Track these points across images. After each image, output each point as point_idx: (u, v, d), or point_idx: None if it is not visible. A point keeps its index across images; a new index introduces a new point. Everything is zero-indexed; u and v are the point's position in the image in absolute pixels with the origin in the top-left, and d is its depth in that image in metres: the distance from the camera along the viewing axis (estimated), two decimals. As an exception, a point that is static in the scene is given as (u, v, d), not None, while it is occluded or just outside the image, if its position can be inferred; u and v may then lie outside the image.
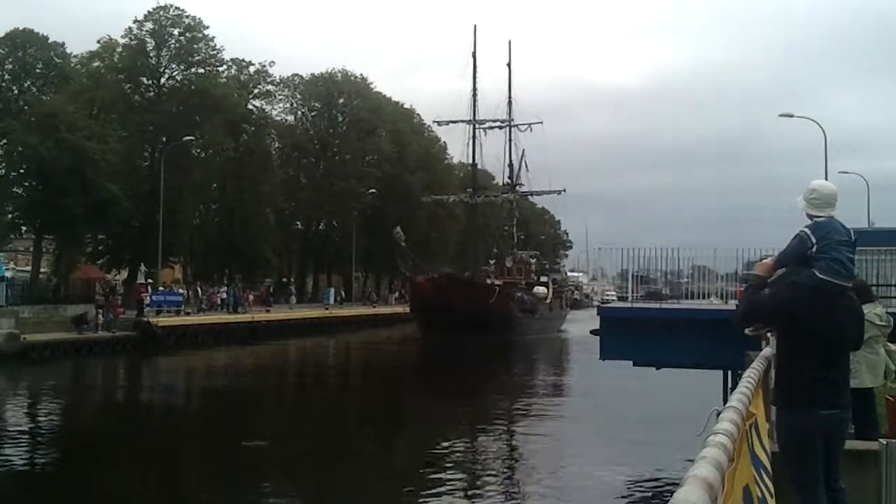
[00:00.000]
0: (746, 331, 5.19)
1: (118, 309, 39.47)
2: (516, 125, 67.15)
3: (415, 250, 53.11)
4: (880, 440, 6.02)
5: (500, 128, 66.57)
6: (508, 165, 68.28)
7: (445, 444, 18.66)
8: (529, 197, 75.90)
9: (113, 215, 44.91)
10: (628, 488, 14.54)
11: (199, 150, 54.39)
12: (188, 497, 15.05)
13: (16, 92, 48.11)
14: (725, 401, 4.67)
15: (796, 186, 5.61)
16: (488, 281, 56.59)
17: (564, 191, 67.16)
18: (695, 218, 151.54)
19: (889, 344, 8.33)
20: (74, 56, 52.02)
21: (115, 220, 45.79)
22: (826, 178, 18.93)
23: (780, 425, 4.81)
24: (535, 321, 56.70)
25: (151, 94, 53.03)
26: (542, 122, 66.59)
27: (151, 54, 52.21)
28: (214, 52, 54.05)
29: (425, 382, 33.20)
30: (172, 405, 25.83)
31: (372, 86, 73.92)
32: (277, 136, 67.41)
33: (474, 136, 64.07)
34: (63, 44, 49.72)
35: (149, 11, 51.98)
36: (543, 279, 65.66)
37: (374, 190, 66.81)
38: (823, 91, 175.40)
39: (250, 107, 60.57)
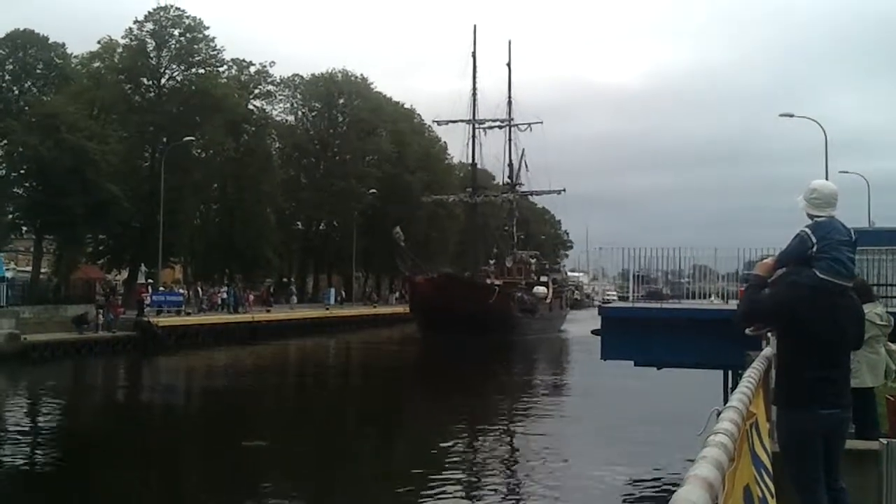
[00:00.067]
0: (747, 331, 5.20)
1: (118, 309, 39.48)
2: (516, 125, 67.22)
3: (415, 250, 53.13)
4: (881, 440, 6.01)
5: (500, 127, 66.63)
6: (508, 165, 68.38)
7: (445, 444, 18.66)
8: (529, 197, 75.95)
9: (113, 215, 44.91)
10: (629, 488, 14.55)
11: (199, 151, 54.39)
12: (188, 497, 15.06)
13: (16, 92, 48.13)
14: (726, 400, 4.67)
15: (796, 186, 5.62)
16: (488, 281, 56.60)
17: (564, 190, 67.25)
18: (695, 218, 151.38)
19: (889, 343, 8.33)
20: (75, 56, 52.04)
21: (116, 220, 45.79)
22: (826, 178, 18.95)
23: (781, 425, 4.81)
24: (535, 321, 56.68)
25: (152, 94, 53.04)
26: (541, 122, 66.71)
27: (152, 55, 52.23)
28: (215, 52, 54.09)
29: (425, 382, 33.21)
30: (173, 405, 25.84)
31: (372, 86, 74.03)
32: (278, 136, 67.42)
33: (474, 136, 64.17)
34: (63, 44, 49.79)
35: (149, 12, 52.09)
36: (543, 279, 65.63)
37: (374, 190, 66.81)
38: (823, 91, 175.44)
39: (251, 107, 60.59)
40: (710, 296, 20.73)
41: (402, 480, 15.54)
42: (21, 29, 48.07)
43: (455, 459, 17.21)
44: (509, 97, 66.97)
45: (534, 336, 52.64)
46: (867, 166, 79.89)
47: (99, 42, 53.11)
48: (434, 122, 68.96)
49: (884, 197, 66.71)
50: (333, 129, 71.78)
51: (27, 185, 45.66)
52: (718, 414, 3.17)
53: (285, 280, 67.48)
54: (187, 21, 52.70)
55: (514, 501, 14.03)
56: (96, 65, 53.09)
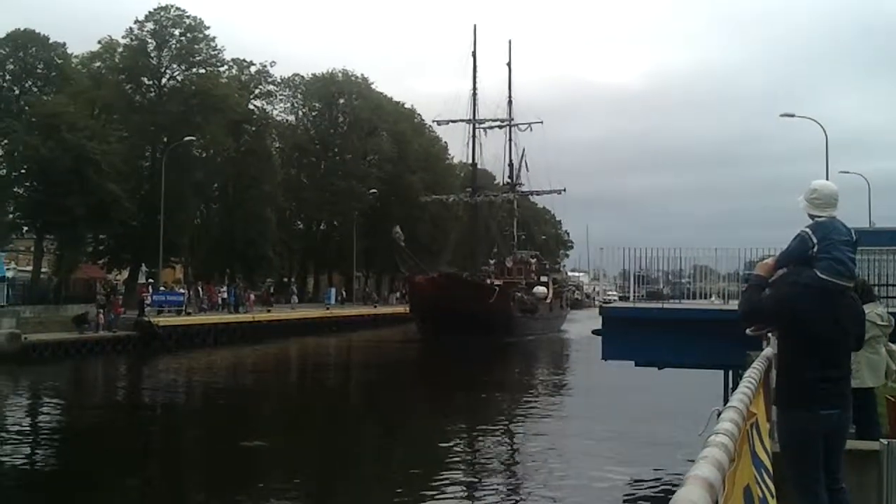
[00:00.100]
0: (748, 331, 5.20)
1: (119, 309, 39.50)
2: (516, 125, 67.23)
3: (415, 250, 53.09)
4: (881, 440, 6.01)
5: (500, 127, 66.63)
6: (508, 165, 68.43)
7: (445, 443, 18.66)
8: (530, 197, 75.99)
9: (114, 215, 44.92)
10: (629, 488, 14.54)
11: (200, 151, 54.43)
12: (188, 497, 15.08)
13: (17, 92, 48.10)
14: (726, 401, 4.67)
15: (797, 186, 5.61)
16: (488, 281, 56.58)
17: (565, 190, 67.25)
18: (695, 218, 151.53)
19: (890, 344, 8.33)
20: (75, 56, 52.02)
21: (117, 220, 45.79)
22: (827, 178, 18.92)
23: (782, 425, 4.81)
24: (535, 321, 56.67)
25: (152, 94, 53.08)
26: (542, 122, 66.72)
27: (152, 54, 52.27)
28: (215, 52, 54.15)
29: (425, 382, 33.20)
30: (173, 405, 25.84)
31: (373, 86, 74.11)
32: (278, 136, 67.47)
33: (474, 136, 64.17)
34: (64, 44, 49.73)
35: (150, 12, 52.13)
36: (543, 279, 65.61)
37: (374, 190, 66.86)
38: (823, 91, 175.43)
39: (251, 107, 60.64)
40: (710, 296, 20.70)
41: (402, 480, 15.53)
42: (22, 29, 48.05)
43: (455, 459, 17.21)
44: (509, 97, 67.08)
45: (534, 336, 52.65)
46: (867, 166, 79.79)
47: (99, 42, 53.30)
48: (434, 121, 69.00)
49: (884, 197, 66.79)
50: (334, 129, 71.83)
51: (28, 184, 45.66)
52: (719, 414, 3.16)
53: (286, 280, 67.58)
54: (188, 21, 52.76)
55: (514, 501, 14.02)
56: (97, 64, 53.16)
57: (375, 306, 67.03)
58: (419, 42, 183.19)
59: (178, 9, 52.62)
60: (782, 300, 4.69)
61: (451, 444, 18.80)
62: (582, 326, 48.08)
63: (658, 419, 20.06)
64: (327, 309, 58.57)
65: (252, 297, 52.16)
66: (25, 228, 48.74)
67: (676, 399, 20.84)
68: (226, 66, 56.97)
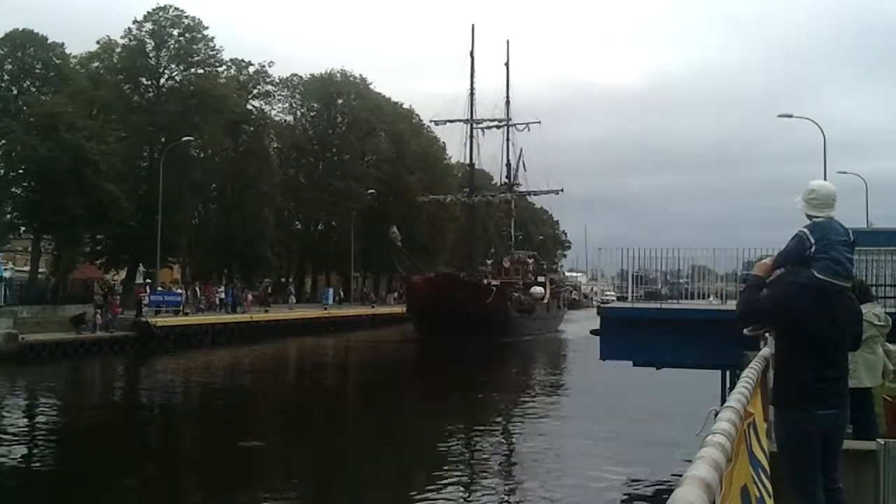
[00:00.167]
0: (745, 331, 5.20)
1: (117, 309, 39.47)
2: (514, 125, 67.16)
3: (413, 250, 53.06)
4: (878, 440, 6.02)
5: (498, 127, 66.56)
6: (506, 165, 68.33)
7: (443, 444, 18.65)
8: (528, 197, 75.94)
9: (112, 215, 44.86)
10: (627, 488, 14.56)
11: (198, 151, 54.39)
12: (185, 497, 15.07)
13: (15, 92, 48.06)
14: (724, 401, 4.68)
15: (796, 187, 5.62)
16: (485, 281, 56.52)
17: (562, 190, 67.21)
18: (695, 218, 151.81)
19: (887, 344, 8.33)
20: (74, 56, 52.00)
21: (114, 220, 45.73)
22: (825, 179, 18.95)
23: (779, 425, 4.82)
24: (533, 321, 56.66)
25: (151, 94, 53.03)
26: (539, 122, 66.63)
27: (151, 55, 52.21)
28: (214, 52, 54.08)
29: (423, 382, 33.18)
30: (170, 405, 25.82)
31: (371, 86, 74.03)
32: (276, 136, 67.41)
33: (472, 136, 64.12)
34: (62, 44, 49.71)
35: (148, 12, 52.06)
36: (541, 279, 65.62)
37: (372, 190, 66.84)
38: (823, 91, 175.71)
39: (249, 107, 60.59)
40: (708, 296, 20.70)
41: (399, 480, 15.55)
42: (20, 29, 48.02)
43: (453, 459, 17.21)
44: (507, 97, 66.99)
45: (531, 336, 52.63)
46: (866, 167, 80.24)
47: (98, 42, 53.24)
48: (432, 121, 68.96)
49: (882, 197, 66.85)
50: (332, 130, 71.80)
51: (26, 184, 45.61)
52: (716, 414, 3.17)
53: (284, 280, 67.50)
54: (186, 21, 52.71)
55: (512, 501, 14.03)
56: (95, 65, 53.10)
57: (373, 306, 67.01)
58: (418, 42, 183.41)
59: (176, 9, 52.63)
60: (780, 300, 4.69)
61: (448, 444, 18.79)
62: (580, 326, 48.04)
63: (655, 419, 20.06)
64: (325, 309, 58.54)
65: (250, 297, 52.12)
66: (23, 228, 48.69)
67: (674, 399, 20.85)
68: (224, 67, 56.96)
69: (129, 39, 51.86)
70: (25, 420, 21.87)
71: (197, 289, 49.03)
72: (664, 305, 20.60)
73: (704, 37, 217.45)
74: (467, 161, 65.93)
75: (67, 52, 50.55)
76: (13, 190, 45.99)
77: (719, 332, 12.00)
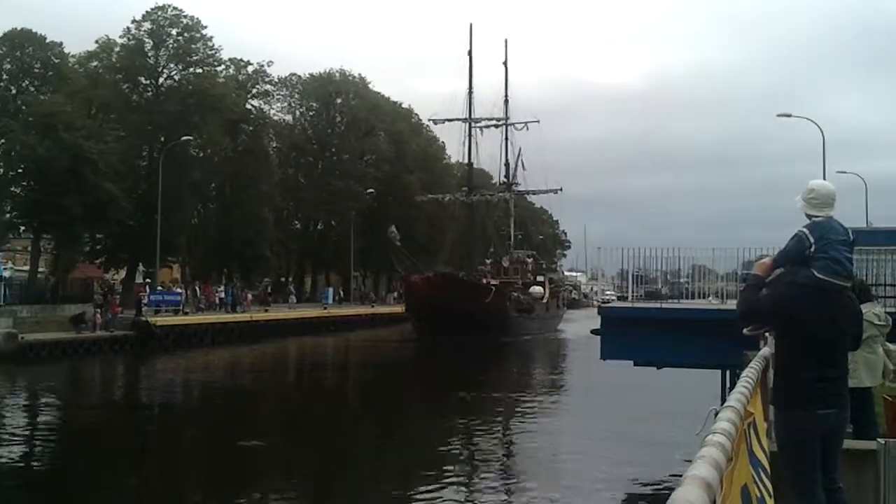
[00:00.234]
0: (745, 331, 5.20)
1: (116, 308, 39.45)
2: (512, 124, 67.13)
3: (412, 250, 53.04)
4: (878, 440, 6.02)
5: (497, 126, 66.52)
6: (505, 164, 68.28)
7: (443, 443, 18.65)
8: (527, 196, 75.93)
9: (111, 215, 44.87)
10: (627, 488, 14.55)
11: (197, 150, 54.38)
12: (185, 497, 15.06)
13: (14, 92, 48.06)
14: (724, 400, 4.67)
15: (795, 186, 5.61)
16: (484, 281, 56.50)
17: (561, 189, 67.18)
18: (695, 218, 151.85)
19: (887, 343, 8.33)
20: (72, 56, 51.98)
21: (114, 219, 45.73)
22: (824, 178, 18.92)
23: (779, 425, 4.81)
24: (532, 321, 56.62)
25: (150, 93, 53.03)
26: (538, 122, 66.56)
27: (150, 54, 52.20)
28: (213, 51, 54.09)
29: (422, 382, 33.18)
30: (170, 405, 25.81)
31: (370, 85, 74.01)
32: (276, 135, 67.40)
33: (470, 135, 64.12)
34: (61, 43, 49.71)
35: (147, 11, 52.06)
36: (540, 279, 65.59)
37: (372, 190, 66.82)
38: (823, 91, 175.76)
39: (248, 106, 60.56)
40: (707, 296, 20.70)
41: (399, 480, 15.54)
42: (18, 28, 48.01)
43: (452, 459, 17.21)
44: (506, 96, 66.92)
45: (530, 336, 52.60)
46: (865, 166, 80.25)
47: (97, 41, 53.21)
48: (430, 120, 68.95)
49: (882, 197, 66.87)
50: (331, 129, 71.78)
51: (25, 184, 45.62)
52: (716, 414, 3.17)
53: (283, 280, 67.49)
54: (185, 20, 52.71)
55: (511, 501, 14.03)
56: (94, 64, 53.07)
57: (373, 306, 67.01)
58: (418, 42, 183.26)
59: (175, 8, 52.62)
60: (779, 300, 4.69)
61: (447, 443, 18.78)
62: (579, 326, 48.03)
63: (655, 419, 20.05)
64: (325, 309, 58.53)
65: (249, 296, 52.12)
66: (22, 228, 48.71)
67: (674, 399, 20.84)
68: (223, 66, 56.96)
69: (128, 39, 51.88)
70: (25, 420, 21.85)
71: (197, 288, 49.03)
72: (664, 305, 20.59)
73: (704, 37, 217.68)
74: (466, 160, 65.98)
75: (66, 51, 50.62)
76: (12, 189, 45.99)
77: (719, 332, 11.99)
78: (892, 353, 8.44)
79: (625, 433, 19.06)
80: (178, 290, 46.20)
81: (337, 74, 71.99)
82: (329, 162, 70.65)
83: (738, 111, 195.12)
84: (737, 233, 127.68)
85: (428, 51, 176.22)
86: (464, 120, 63.42)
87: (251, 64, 61.32)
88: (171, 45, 52.37)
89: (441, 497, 13.76)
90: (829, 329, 4.60)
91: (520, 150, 67.66)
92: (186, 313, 43.66)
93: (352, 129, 70.24)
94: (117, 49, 52.38)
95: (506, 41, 70.14)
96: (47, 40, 48.53)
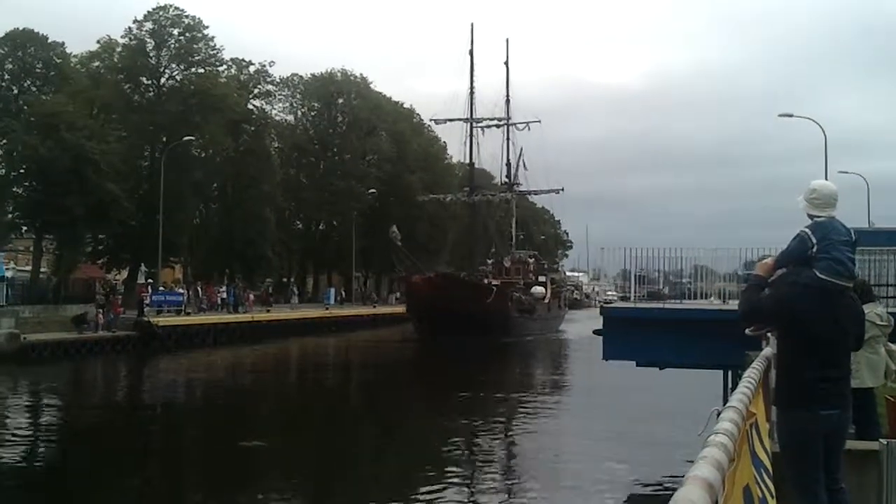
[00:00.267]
0: (747, 331, 5.20)
1: (118, 309, 39.48)
2: (514, 124, 67.11)
3: (413, 250, 53.03)
4: (881, 440, 6.01)
5: (498, 126, 66.50)
6: (506, 164, 68.29)
7: (444, 444, 18.65)
8: (529, 197, 75.89)
9: (113, 215, 44.90)
10: (629, 488, 14.54)
11: (199, 150, 54.40)
12: (187, 497, 15.07)
13: (15, 92, 48.04)
14: (726, 401, 4.67)
15: (796, 186, 5.61)
16: (485, 281, 56.47)
17: (562, 189, 67.17)
18: (695, 218, 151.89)
19: (889, 344, 8.32)
20: (74, 56, 51.98)
21: (115, 219, 45.77)
22: (826, 178, 18.90)
23: (781, 425, 4.81)
24: (533, 322, 56.58)
25: (151, 93, 53.06)
26: (539, 121, 66.59)
27: (151, 54, 52.23)
28: (214, 51, 54.10)
29: (423, 382, 33.17)
30: (172, 405, 25.83)
31: (372, 85, 74.03)
32: (277, 135, 67.41)
33: (471, 135, 64.09)
34: (63, 43, 49.69)
35: (148, 11, 52.09)
36: (542, 279, 65.53)
37: (373, 190, 66.82)
38: (823, 91, 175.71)
39: (250, 106, 60.58)
40: (709, 296, 20.68)
41: (400, 480, 15.54)
42: (20, 28, 48.01)
43: (453, 459, 17.22)
44: (507, 96, 66.93)
45: (532, 336, 52.55)
46: (867, 166, 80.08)
47: (98, 41, 53.24)
48: (432, 120, 69.02)
49: (883, 197, 66.81)
50: (333, 129, 71.80)
51: (27, 184, 45.66)
52: (718, 414, 3.16)
53: (285, 280, 67.49)
54: (187, 20, 52.72)
55: (512, 501, 14.02)
56: (96, 64, 53.10)
57: (374, 306, 67.03)
58: (419, 42, 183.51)
59: (176, 8, 52.65)
60: (781, 300, 4.68)
61: (448, 444, 18.78)
62: (581, 327, 48.02)
63: (657, 419, 20.05)
64: (326, 309, 58.55)
65: (251, 297, 52.14)
66: (24, 228, 48.74)
67: (676, 399, 20.83)
68: (225, 66, 56.96)
69: (130, 39, 51.89)
70: (27, 420, 21.87)
71: (198, 288, 49.04)
72: (667, 305, 20.56)
73: (704, 37, 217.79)
74: (467, 160, 65.97)
75: (68, 51, 50.58)
76: (14, 190, 46.03)
77: (722, 333, 11.98)
78: (895, 353, 8.43)
79: (627, 433, 19.05)
80: (180, 291, 46.20)
81: (338, 74, 72.02)
82: (331, 162, 70.67)
83: (738, 111, 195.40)
84: (737, 233, 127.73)
85: (428, 51, 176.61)
86: (465, 120, 63.43)
87: (253, 64, 61.42)
88: (172, 46, 52.40)
89: (441, 497, 13.75)
90: (831, 329, 4.59)
91: (521, 150, 67.72)
92: (188, 314, 43.67)
93: (353, 129, 70.25)
94: (119, 49, 52.42)
95: (507, 41, 70.24)
96: (49, 40, 48.50)
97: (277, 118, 68.35)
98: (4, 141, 45.47)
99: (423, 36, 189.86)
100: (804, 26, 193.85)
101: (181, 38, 52.54)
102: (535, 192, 71.11)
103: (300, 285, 69.73)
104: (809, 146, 72.63)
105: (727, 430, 2.70)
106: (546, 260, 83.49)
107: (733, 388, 6.64)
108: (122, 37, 52.07)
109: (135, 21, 51.77)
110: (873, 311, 7.73)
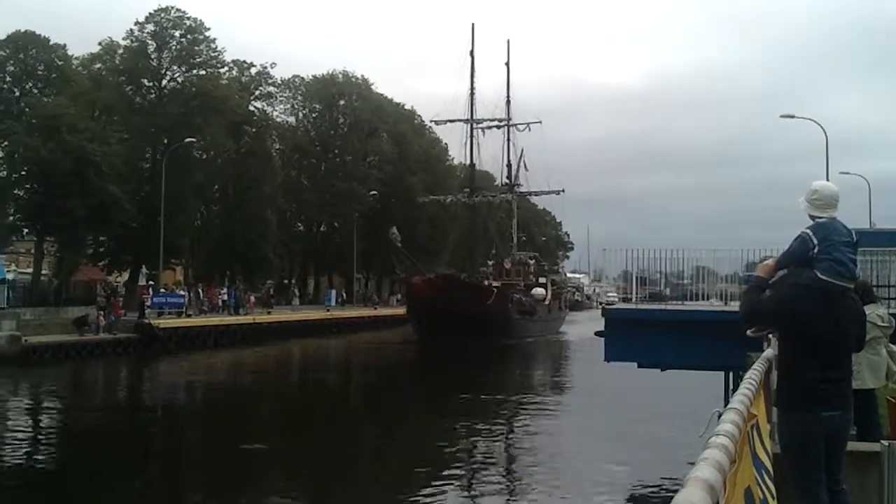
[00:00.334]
0: (748, 332, 5.18)
1: (119, 311, 39.50)
2: (514, 125, 67.08)
3: (414, 251, 52.99)
4: (882, 441, 6.00)
5: (499, 127, 66.51)
6: (507, 165, 68.28)
7: (445, 445, 18.65)
8: (530, 198, 75.85)
9: (114, 217, 44.92)
10: (630, 489, 14.53)
11: (200, 152, 54.43)
12: (187, 498, 15.07)
13: (17, 94, 48.08)
14: (727, 402, 4.66)
15: (797, 187, 5.61)
16: (486, 282, 56.43)
17: (563, 191, 67.19)
18: (695, 218, 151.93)
19: (891, 345, 8.31)
20: (76, 58, 52.01)
21: (117, 221, 45.79)
22: (827, 179, 18.91)
23: (782, 427, 4.79)
24: (534, 323, 56.52)
25: (153, 95, 53.09)
26: (540, 122, 66.59)
27: (153, 56, 52.29)
28: (215, 53, 54.16)
29: (423, 384, 33.15)
30: (173, 407, 25.83)
31: (373, 87, 74.05)
32: (279, 137, 67.45)
33: (472, 136, 64.06)
34: (64, 46, 49.73)
35: (150, 13, 52.16)
36: (542, 280, 65.46)
37: (375, 192, 66.82)
38: (824, 92, 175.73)
39: (251, 108, 60.60)
40: (710, 297, 20.66)
41: (400, 481, 15.54)
42: (22, 30, 48.05)
43: (455, 460, 17.21)
44: (508, 97, 66.96)
45: (532, 338, 52.49)
46: (868, 167, 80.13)
47: (100, 43, 53.29)
48: (432, 121, 69.02)
49: (885, 198, 66.80)
50: (334, 131, 71.81)
51: (28, 186, 45.68)
52: (719, 415, 3.16)
53: (286, 282, 67.50)
54: (188, 22, 52.77)
55: (513, 502, 14.02)
56: (97, 66, 53.14)
57: (375, 308, 67.02)
58: (419, 42, 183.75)
59: (178, 10, 52.70)
60: (783, 301, 4.68)
61: (448, 444, 18.77)
62: (582, 328, 48.03)
63: (658, 420, 20.03)
64: (327, 311, 58.59)
65: (252, 298, 52.16)
66: (26, 230, 48.73)
67: (677, 400, 20.81)
68: (226, 68, 57.01)
69: (131, 41, 51.94)
70: (28, 422, 21.89)
71: (200, 290, 49.06)
72: (668, 306, 20.54)
73: (704, 37, 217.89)
74: (468, 161, 65.93)
75: (69, 53, 50.59)
76: (16, 192, 46.06)
77: (723, 334, 11.96)
78: (896, 354, 8.42)
79: (628, 434, 19.05)
80: (181, 293, 46.23)
81: (340, 76, 72.04)
82: (332, 163, 70.68)
83: (738, 111, 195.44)
84: (737, 233, 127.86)
85: (429, 51, 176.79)
86: (466, 121, 63.40)
87: (254, 66, 61.48)
88: (174, 47, 52.45)
89: (441, 497, 13.76)
90: (832, 330, 4.58)
91: (522, 150, 67.72)
92: (189, 315, 43.69)
93: (355, 131, 70.26)
94: (120, 51, 52.46)
95: (508, 42, 70.32)
96: (50, 42, 48.53)
97: (279, 120, 68.45)
98: (6, 143, 45.51)
99: (423, 36, 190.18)
100: (804, 26, 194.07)
101: (182, 39, 52.59)
102: (536, 194, 71.15)
103: (301, 287, 69.76)
104: (810, 146, 72.74)
105: (728, 431, 2.70)
106: (547, 261, 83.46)
107: (734, 390, 6.63)
108: (123, 39, 52.23)
109: (136, 23, 51.93)
110: (874, 313, 7.72)
